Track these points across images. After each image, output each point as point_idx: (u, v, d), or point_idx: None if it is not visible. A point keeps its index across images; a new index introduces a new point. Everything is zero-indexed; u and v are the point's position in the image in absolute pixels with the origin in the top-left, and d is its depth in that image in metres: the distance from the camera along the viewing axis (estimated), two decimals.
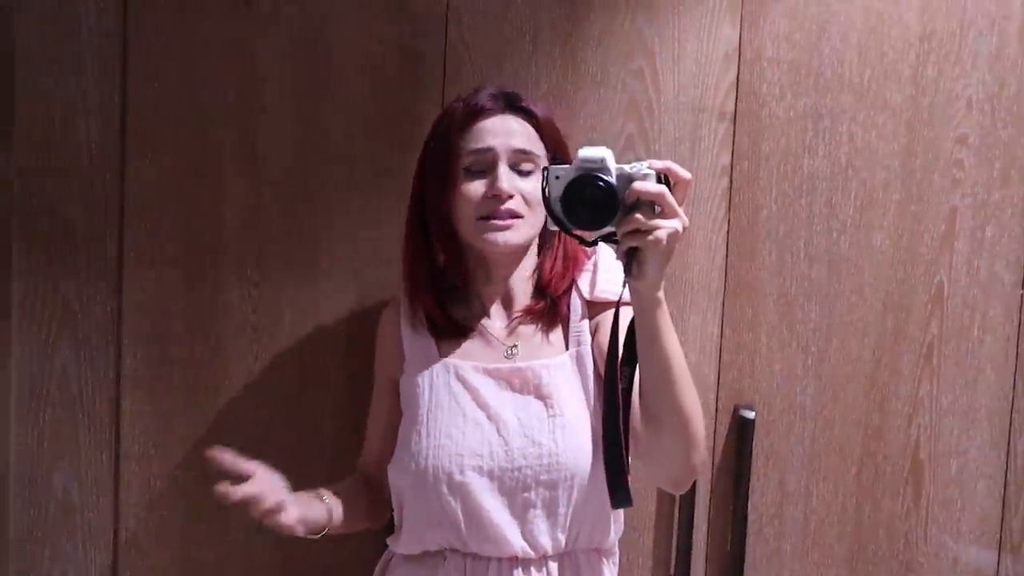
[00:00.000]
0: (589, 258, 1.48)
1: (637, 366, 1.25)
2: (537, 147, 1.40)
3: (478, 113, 1.39)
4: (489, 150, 1.38)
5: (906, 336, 1.72)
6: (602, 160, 1.17)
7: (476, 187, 1.38)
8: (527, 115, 1.41)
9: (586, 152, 1.18)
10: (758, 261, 1.70)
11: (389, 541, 1.47)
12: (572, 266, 1.46)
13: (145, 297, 1.69)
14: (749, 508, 1.71)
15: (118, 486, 1.71)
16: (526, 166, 1.39)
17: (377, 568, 1.52)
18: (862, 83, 1.68)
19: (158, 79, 1.66)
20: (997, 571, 1.75)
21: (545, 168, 1.22)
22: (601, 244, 1.22)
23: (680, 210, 1.16)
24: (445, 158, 1.40)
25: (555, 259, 1.45)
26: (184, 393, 1.70)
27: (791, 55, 1.67)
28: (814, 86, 1.68)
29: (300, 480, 1.68)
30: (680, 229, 1.15)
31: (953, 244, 1.70)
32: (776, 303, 1.71)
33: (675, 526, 1.71)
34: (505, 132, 1.39)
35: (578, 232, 1.20)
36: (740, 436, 1.70)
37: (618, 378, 1.22)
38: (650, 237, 1.14)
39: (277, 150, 1.67)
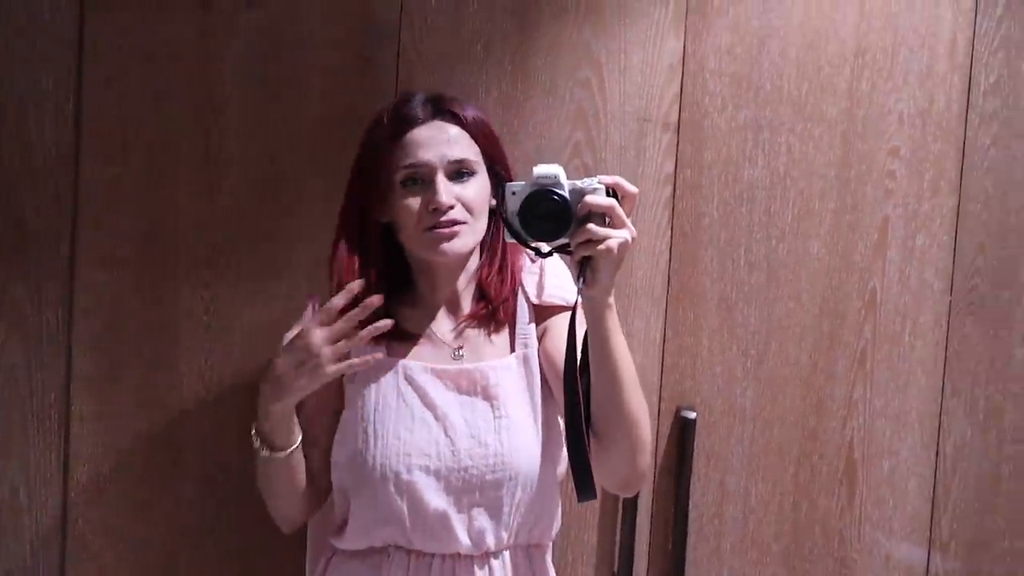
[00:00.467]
0: (534, 261, 1.51)
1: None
2: (471, 151, 1.41)
3: (408, 124, 1.40)
4: (424, 164, 1.39)
5: (841, 341, 1.78)
6: (556, 176, 1.25)
7: (415, 201, 1.39)
8: (456, 119, 1.41)
9: (541, 169, 1.25)
10: (700, 267, 1.75)
11: (331, 538, 1.49)
12: (510, 274, 1.48)
13: (97, 298, 1.70)
14: (690, 507, 1.76)
15: (67, 487, 1.71)
16: (463, 172, 1.40)
17: (316, 569, 1.53)
18: (800, 96, 1.75)
19: (115, 80, 1.67)
20: (927, 567, 1.82)
21: (501, 184, 1.28)
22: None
23: (628, 221, 1.24)
24: (380, 172, 1.41)
25: (492, 266, 1.47)
26: (135, 394, 1.71)
27: (732, 68, 1.73)
28: (754, 98, 1.74)
29: (251, 481, 1.70)
30: (629, 239, 1.23)
31: (886, 252, 1.77)
32: (717, 307, 1.76)
33: (618, 524, 1.75)
34: (438, 142, 1.39)
35: (534, 244, 1.27)
36: (682, 437, 1.75)
37: (578, 379, 1.27)
38: (601, 247, 1.21)
39: (233, 152, 1.70)
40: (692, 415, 1.75)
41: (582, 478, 1.27)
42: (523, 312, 1.48)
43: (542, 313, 1.48)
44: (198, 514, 1.73)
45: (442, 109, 1.41)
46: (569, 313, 1.43)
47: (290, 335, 1.42)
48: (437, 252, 1.39)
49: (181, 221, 1.70)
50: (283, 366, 1.35)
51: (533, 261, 1.51)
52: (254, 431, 1.41)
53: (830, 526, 1.80)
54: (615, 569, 1.76)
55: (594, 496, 1.29)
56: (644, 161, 1.74)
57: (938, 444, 1.81)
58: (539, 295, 1.48)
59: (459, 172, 1.40)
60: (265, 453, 1.41)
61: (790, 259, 1.76)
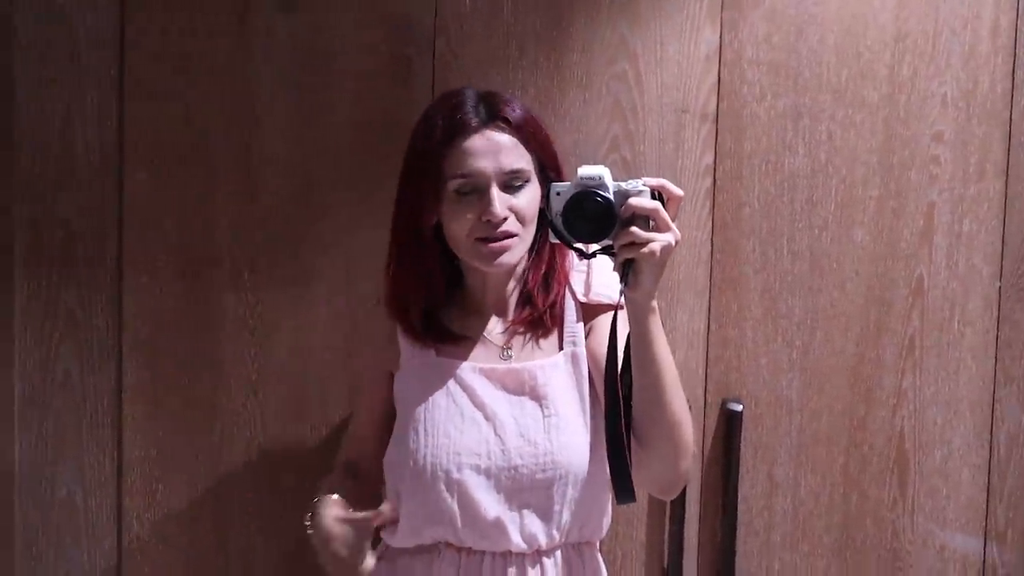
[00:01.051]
0: (581, 259, 1.50)
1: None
2: (524, 160, 1.39)
3: (461, 131, 1.37)
4: (480, 175, 1.36)
5: (888, 329, 1.76)
6: (600, 177, 1.25)
7: (468, 210, 1.38)
8: (509, 125, 1.39)
9: (585, 170, 1.25)
10: (742, 257, 1.74)
11: (383, 534, 1.50)
12: (556, 278, 1.47)
13: (145, 305, 1.73)
14: (739, 500, 1.75)
15: (121, 490, 1.75)
16: (516, 182, 1.39)
17: (375, 554, 1.53)
18: (840, 83, 1.73)
19: (155, 90, 1.71)
20: (983, 558, 1.79)
21: (547, 185, 1.27)
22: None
23: (673, 224, 1.23)
24: (432, 179, 1.39)
25: (538, 272, 1.46)
26: (184, 398, 1.74)
27: (770, 56, 1.72)
28: (793, 86, 1.73)
29: (299, 482, 1.73)
30: (673, 242, 1.22)
31: (932, 238, 1.75)
32: (760, 298, 1.75)
33: (667, 520, 1.74)
34: (492, 152, 1.37)
35: (577, 245, 1.27)
36: (728, 429, 1.74)
37: (619, 379, 1.27)
38: (645, 250, 1.21)
39: (272, 159, 1.72)
40: (738, 407, 1.74)
41: (621, 481, 1.27)
42: (571, 310, 1.47)
43: (589, 311, 1.47)
44: (248, 516, 1.75)
45: (496, 114, 1.39)
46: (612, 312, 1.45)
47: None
48: (489, 265, 1.39)
49: (222, 226, 1.73)
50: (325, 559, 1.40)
51: (580, 259, 1.50)
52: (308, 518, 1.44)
53: (882, 517, 1.78)
54: (665, 565, 1.76)
55: (633, 499, 1.28)
56: (683, 153, 1.73)
57: (991, 432, 1.78)
58: (586, 293, 1.47)
59: (512, 181, 1.38)
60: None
61: (834, 248, 1.75)
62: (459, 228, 1.39)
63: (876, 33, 1.73)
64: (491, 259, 1.39)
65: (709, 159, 1.73)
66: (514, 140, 1.39)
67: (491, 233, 1.37)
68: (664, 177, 1.67)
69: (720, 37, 1.72)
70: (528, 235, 1.41)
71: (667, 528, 1.74)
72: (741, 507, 1.75)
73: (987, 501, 1.78)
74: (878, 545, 1.78)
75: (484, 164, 1.36)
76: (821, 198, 1.74)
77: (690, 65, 1.72)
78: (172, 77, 1.71)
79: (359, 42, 1.71)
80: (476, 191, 1.37)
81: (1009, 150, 1.74)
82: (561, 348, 1.46)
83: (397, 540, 1.46)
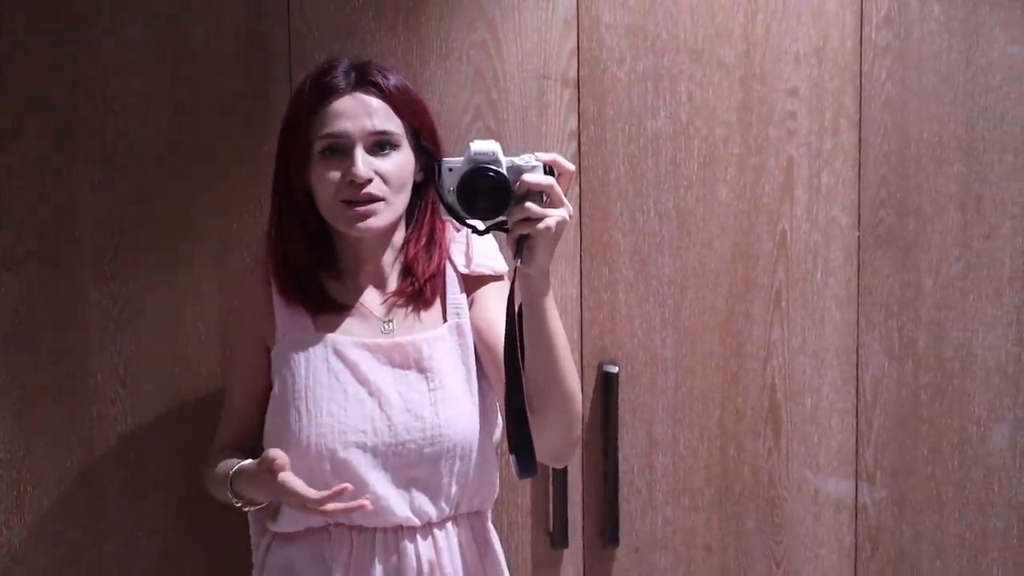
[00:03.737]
0: (458, 230, 1.49)
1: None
2: (393, 124, 1.39)
3: (329, 93, 1.38)
4: (344, 135, 1.36)
5: (755, 283, 1.80)
6: (493, 153, 1.23)
7: (333, 173, 1.37)
8: (379, 90, 1.39)
9: (478, 145, 1.23)
10: (611, 221, 1.76)
11: (267, 522, 1.47)
12: (439, 249, 1.47)
13: (1, 299, 1.65)
14: (620, 460, 1.78)
15: None
16: (384, 145, 1.38)
17: (258, 555, 1.51)
18: (696, 43, 1.75)
19: (2, 73, 1.63)
20: (856, 499, 1.85)
21: (437, 161, 1.26)
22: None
23: (566, 199, 1.22)
24: (300, 142, 1.39)
25: (419, 242, 1.46)
26: (50, 393, 1.68)
27: (627, 19, 1.73)
28: (651, 48, 1.74)
29: (175, 472, 1.69)
30: (567, 216, 1.22)
31: (792, 192, 1.79)
32: (631, 260, 1.77)
33: (550, 484, 1.75)
34: (359, 113, 1.37)
35: (471, 221, 1.25)
36: (606, 391, 1.76)
37: (518, 353, 1.26)
38: (541, 225, 1.20)
39: (129, 140, 1.66)
40: (614, 369, 1.76)
41: (525, 456, 1.27)
42: (453, 282, 1.47)
43: (471, 283, 1.47)
44: (124, 512, 1.71)
45: (365, 79, 1.39)
46: (496, 284, 1.46)
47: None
48: (353, 228, 1.38)
49: (80, 214, 1.66)
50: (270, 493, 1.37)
51: (458, 231, 1.50)
52: (231, 493, 1.42)
53: (758, 467, 1.83)
54: (551, 529, 1.77)
55: (536, 473, 1.29)
56: (547, 119, 1.73)
57: (857, 378, 1.84)
58: (468, 264, 1.47)
59: (380, 144, 1.38)
60: (244, 507, 1.44)
61: (699, 207, 1.77)
62: (324, 190, 1.38)
63: None
64: (354, 222, 1.37)
65: (573, 125, 1.74)
66: (384, 105, 1.39)
67: (355, 195, 1.36)
68: (529, 144, 1.71)
69: (577, 2, 1.72)
70: (397, 201, 1.40)
71: (551, 492, 1.76)
72: (622, 466, 1.78)
73: (856, 444, 1.85)
74: (756, 494, 1.83)
75: (348, 125, 1.36)
76: (684, 158, 1.77)
77: (548, 31, 1.72)
78: (23, 59, 1.63)
79: (211, 17, 1.65)
80: (341, 152, 1.37)
81: (861, 103, 1.79)
82: (445, 320, 1.45)
83: (285, 524, 1.44)
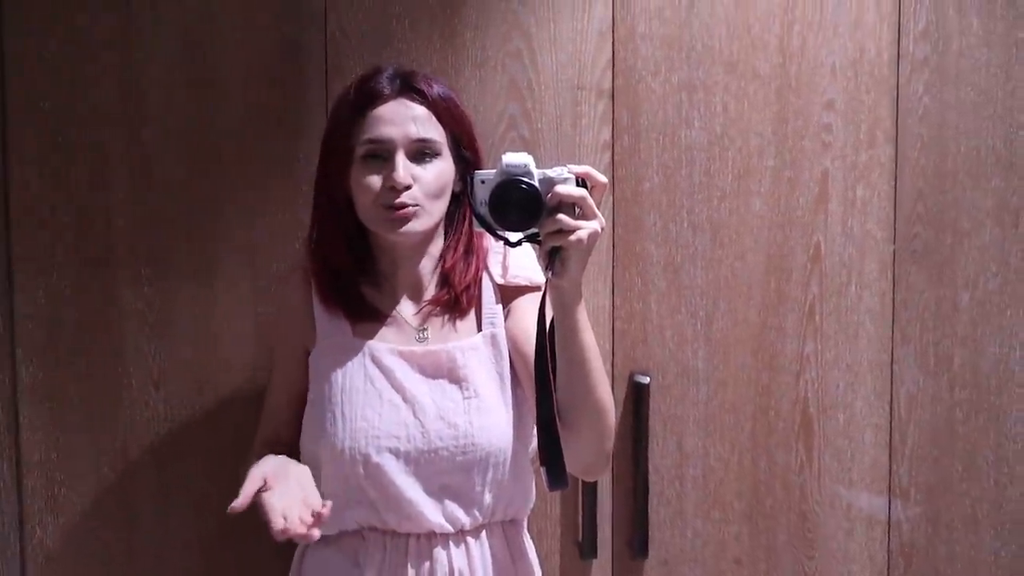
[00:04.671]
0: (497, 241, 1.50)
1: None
2: (435, 132, 1.39)
3: (373, 99, 1.38)
4: (386, 140, 1.37)
5: (788, 296, 1.79)
6: (525, 165, 1.23)
7: (373, 178, 1.37)
8: (422, 97, 1.40)
9: (510, 158, 1.23)
10: (644, 232, 1.75)
11: None
12: (476, 259, 1.47)
13: (38, 303, 1.68)
14: (650, 471, 1.77)
15: (22, 495, 1.70)
16: (425, 153, 1.39)
17: (295, 556, 1.52)
18: (732, 55, 1.75)
19: (36, 80, 1.65)
20: (888, 516, 1.83)
21: (470, 174, 1.26)
22: None
23: (598, 212, 1.22)
24: (342, 146, 1.40)
25: (456, 250, 1.46)
26: (84, 397, 1.70)
27: (663, 31, 1.73)
28: (687, 60, 1.74)
29: (208, 474, 1.70)
30: (599, 229, 1.22)
31: (827, 206, 1.78)
32: (664, 271, 1.76)
33: (580, 493, 1.75)
34: (402, 119, 1.38)
35: (503, 234, 1.25)
36: (636, 402, 1.75)
37: (549, 365, 1.26)
38: (572, 237, 1.20)
39: (164, 146, 1.68)
40: (646, 380, 1.75)
41: (554, 468, 1.27)
42: (489, 292, 1.47)
43: (507, 294, 1.47)
44: (156, 515, 1.72)
45: (410, 86, 1.40)
46: (533, 295, 1.46)
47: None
48: (391, 233, 1.38)
49: (116, 218, 1.68)
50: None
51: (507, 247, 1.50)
52: None
53: (790, 481, 1.81)
54: (580, 538, 1.77)
55: (566, 486, 1.29)
56: (580, 130, 1.73)
57: (891, 393, 1.82)
58: (504, 275, 1.47)
59: (421, 153, 1.38)
60: None
61: (733, 219, 1.77)
62: (363, 194, 1.38)
63: (765, 4, 1.75)
64: (393, 227, 1.38)
65: (607, 135, 1.74)
66: (427, 112, 1.39)
67: (394, 200, 1.36)
68: (563, 154, 1.71)
69: (612, 13, 1.72)
70: (435, 209, 1.41)
71: (580, 502, 1.75)
72: (652, 478, 1.77)
73: (889, 460, 1.83)
74: (787, 508, 1.81)
75: (391, 130, 1.37)
76: (718, 170, 1.76)
77: (584, 42, 1.72)
78: (55, 67, 1.65)
79: (248, 24, 1.67)
80: (383, 158, 1.38)
81: (897, 116, 1.78)
82: (480, 330, 1.46)
83: (325, 527, 1.44)
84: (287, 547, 1.53)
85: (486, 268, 1.48)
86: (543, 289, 1.26)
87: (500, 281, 1.47)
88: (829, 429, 1.81)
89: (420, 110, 1.39)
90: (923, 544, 1.84)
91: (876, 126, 1.78)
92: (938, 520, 1.84)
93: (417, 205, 1.38)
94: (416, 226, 1.39)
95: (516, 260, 1.48)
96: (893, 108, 1.77)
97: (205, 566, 1.73)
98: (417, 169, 1.38)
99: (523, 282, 1.47)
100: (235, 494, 1.51)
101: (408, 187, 1.36)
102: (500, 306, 1.47)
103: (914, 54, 1.77)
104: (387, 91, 1.39)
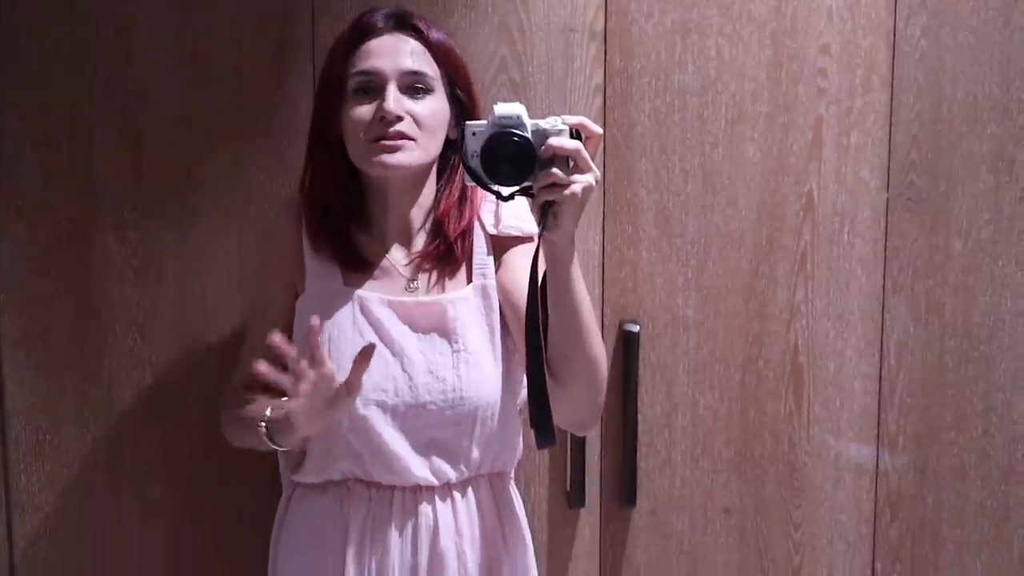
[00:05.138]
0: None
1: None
2: (429, 68, 1.37)
3: (367, 33, 1.36)
4: (377, 72, 1.34)
5: (780, 244, 1.77)
6: (518, 116, 1.20)
7: (364, 110, 1.35)
8: (418, 34, 1.38)
9: (502, 108, 1.20)
10: (635, 178, 1.73)
11: (290, 473, 1.46)
12: (470, 207, 1.45)
13: (20, 251, 1.65)
14: (639, 420, 1.76)
15: (6, 443, 1.69)
16: (418, 88, 1.36)
17: (281, 502, 1.51)
18: None
19: (16, 23, 1.61)
20: (876, 465, 1.83)
21: (461, 125, 1.23)
22: None
23: (592, 164, 1.19)
24: (335, 83, 1.37)
25: (451, 196, 1.44)
26: (68, 344, 1.68)
27: None
28: (680, 2, 1.70)
29: (194, 421, 1.68)
30: (594, 182, 1.19)
31: (821, 152, 1.76)
32: (655, 218, 1.74)
33: (568, 443, 1.74)
34: (394, 52, 1.35)
35: (495, 187, 1.22)
36: (626, 350, 1.74)
37: (539, 321, 1.24)
38: (566, 192, 1.17)
39: (149, 94, 1.65)
40: (635, 328, 1.74)
41: (543, 425, 1.25)
42: (480, 243, 1.45)
43: (499, 244, 1.45)
44: (142, 463, 1.71)
45: (405, 23, 1.38)
46: (525, 247, 1.44)
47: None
48: (380, 166, 1.34)
49: (99, 167, 1.65)
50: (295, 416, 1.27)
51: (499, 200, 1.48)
52: (265, 430, 1.34)
53: (779, 430, 1.81)
54: (568, 488, 1.76)
55: (554, 443, 1.27)
56: (572, 73, 1.70)
57: (881, 342, 1.81)
58: (496, 225, 1.45)
59: (414, 87, 1.36)
60: (271, 446, 1.35)
61: (725, 165, 1.74)
62: (354, 129, 1.36)
63: None
64: (381, 156, 1.33)
65: (599, 79, 1.70)
66: (422, 47, 1.38)
67: (385, 133, 1.33)
68: (554, 98, 1.68)
69: None
70: (430, 146, 1.38)
71: (568, 452, 1.74)
72: (641, 427, 1.76)
73: (879, 409, 1.82)
74: (776, 458, 1.81)
75: (382, 62, 1.35)
76: (711, 115, 1.73)
77: None
78: (37, 14, 1.61)
79: None
80: (374, 91, 1.35)
81: (894, 62, 1.75)
82: (470, 280, 1.43)
83: (306, 476, 1.44)
84: (276, 487, 1.53)
85: (479, 218, 1.46)
86: (536, 243, 1.23)
87: (492, 231, 1.45)
88: (819, 378, 1.80)
89: (415, 44, 1.37)
90: (911, 493, 1.84)
91: (872, 71, 1.75)
92: (926, 469, 1.84)
93: (409, 139, 1.34)
94: (405, 158, 1.35)
95: (509, 210, 1.45)
96: (890, 53, 1.74)
97: (193, 513, 1.72)
98: (410, 103, 1.35)
99: (516, 232, 1.45)
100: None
101: (399, 118, 1.33)
102: (491, 257, 1.44)
103: None
104: (381, 25, 1.37)
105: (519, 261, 1.43)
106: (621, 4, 1.69)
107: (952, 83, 1.76)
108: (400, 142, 1.34)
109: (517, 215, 1.45)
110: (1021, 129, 1.77)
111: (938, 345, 1.81)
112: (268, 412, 1.34)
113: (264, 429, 1.34)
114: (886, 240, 1.79)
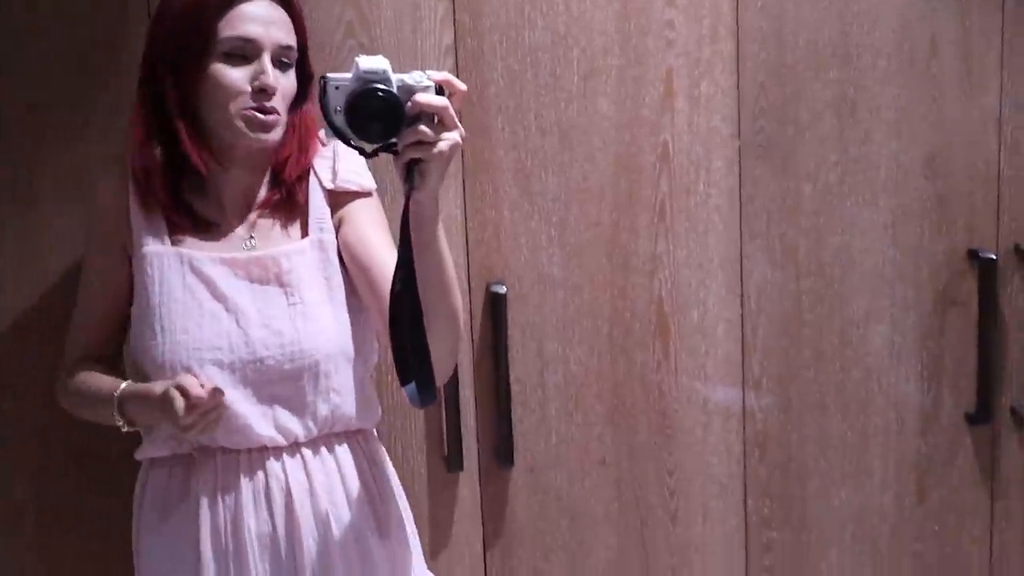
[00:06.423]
0: (324, 144, 1.46)
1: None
2: (293, 39, 1.37)
3: None
4: (253, 40, 1.32)
5: (639, 197, 1.79)
6: (384, 71, 1.17)
7: (237, 75, 1.32)
8: (284, 2, 1.36)
9: (366, 63, 1.16)
10: (492, 137, 1.72)
11: (137, 453, 1.43)
12: (306, 151, 1.44)
13: None
14: (512, 380, 1.76)
15: None
16: (284, 62, 1.36)
17: (137, 483, 1.46)
18: None
19: None
20: (743, 407, 1.89)
21: (323, 77, 1.19)
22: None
23: (458, 122, 1.18)
24: (196, 41, 1.31)
25: (290, 145, 1.42)
26: None
27: None
28: None
29: (37, 402, 1.60)
30: (460, 140, 1.18)
31: (673, 103, 1.78)
32: (515, 177, 1.74)
33: (443, 406, 1.73)
34: (269, 21, 1.33)
35: (357, 143, 1.19)
36: (494, 311, 1.73)
37: (415, 282, 1.21)
38: (434, 150, 1.16)
39: None
40: (502, 289, 1.74)
41: (426, 383, 1.24)
42: (316, 197, 1.44)
43: (337, 200, 1.44)
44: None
45: None
46: (364, 201, 1.44)
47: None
48: (253, 138, 1.34)
49: None
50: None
51: (324, 144, 1.46)
52: (116, 413, 1.36)
53: (648, 380, 1.84)
54: (445, 453, 1.76)
55: (435, 398, 1.27)
56: (422, 35, 1.67)
57: (742, 287, 1.86)
58: (333, 179, 1.44)
59: (281, 61, 1.35)
60: (125, 428, 1.38)
61: (581, 120, 1.75)
62: (223, 96, 1.32)
63: None
64: (256, 130, 1.33)
65: (449, 39, 1.68)
66: (286, 17, 1.36)
67: (262, 104, 1.32)
68: (404, 61, 1.65)
69: None
70: (286, 118, 1.38)
71: (444, 415, 1.74)
72: (514, 387, 1.77)
73: (742, 353, 1.87)
74: (647, 407, 1.84)
75: (260, 31, 1.33)
76: (564, 71, 1.73)
77: None
78: None
79: None
80: (246, 59, 1.33)
81: (737, 10, 1.78)
82: (306, 235, 1.41)
83: (150, 449, 1.41)
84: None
85: (314, 171, 1.44)
86: (405, 205, 1.21)
87: (330, 186, 1.44)
88: (684, 327, 1.84)
89: (284, 15, 1.36)
90: (776, 432, 1.90)
91: (718, 21, 1.77)
92: (789, 407, 1.90)
93: (278, 113, 1.35)
94: (276, 135, 1.36)
95: (346, 164, 1.45)
96: (733, 2, 1.77)
97: (46, 500, 1.65)
98: (279, 76, 1.35)
99: (353, 187, 1.44)
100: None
101: (275, 92, 1.33)
102: (328, 211, 1.43)
103: None
104: None
105: (361, 215, 1.43)
106: None
107: (794, 31, 1.80)
108: (272, 117, 1.34)
109: (355, 170, 1.45)
110: (860, 73, 1.84)
111: (794, 287, 1.87)
112: (121, 387, 1.36)
113: (116, 405, 1.35)
114: (740, 188, 1.83)
